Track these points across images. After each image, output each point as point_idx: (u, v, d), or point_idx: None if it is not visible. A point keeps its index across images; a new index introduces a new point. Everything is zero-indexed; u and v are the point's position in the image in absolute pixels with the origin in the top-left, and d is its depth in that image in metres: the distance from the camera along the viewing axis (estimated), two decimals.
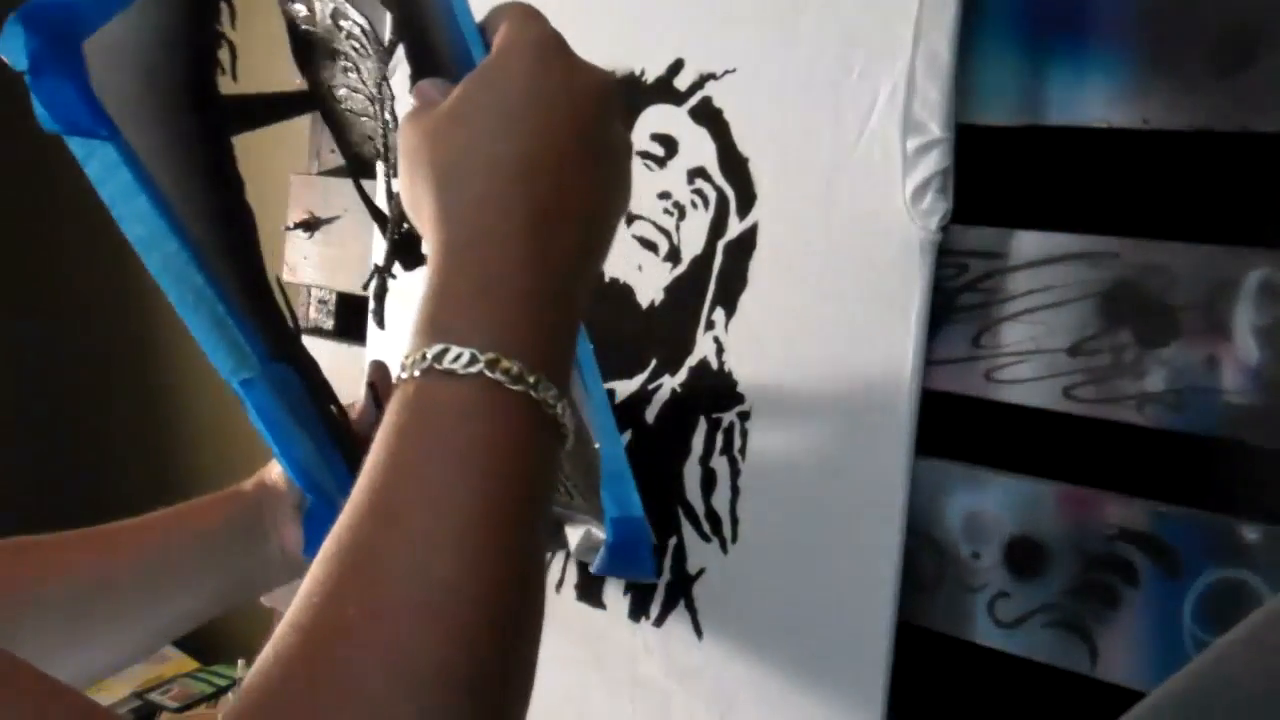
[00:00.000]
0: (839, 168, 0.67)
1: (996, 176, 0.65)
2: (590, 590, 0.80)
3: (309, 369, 0.68)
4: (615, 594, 0.79)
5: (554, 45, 0.44)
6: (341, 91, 0.65)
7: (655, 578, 0.75)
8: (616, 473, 0.64)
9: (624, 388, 0.78)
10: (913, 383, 0.65)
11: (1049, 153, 0.67)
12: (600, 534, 0.66)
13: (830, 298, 0.68)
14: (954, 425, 0.66)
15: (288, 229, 1.04)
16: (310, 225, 1.03)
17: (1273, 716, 0.43)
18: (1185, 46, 0.58)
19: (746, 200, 0.72)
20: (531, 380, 0.37)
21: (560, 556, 0.82)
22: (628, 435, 0.78)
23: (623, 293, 0.78)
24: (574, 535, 0.70)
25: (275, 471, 0.68)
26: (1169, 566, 0.59)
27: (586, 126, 0.43)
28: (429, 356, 0.37)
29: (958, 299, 0.65)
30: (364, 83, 0.62)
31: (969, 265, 0.64)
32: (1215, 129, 0.57)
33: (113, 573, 0.60)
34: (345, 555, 0.35)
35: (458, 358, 0.37)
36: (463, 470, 0.36)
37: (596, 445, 0.63)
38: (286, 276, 1.06)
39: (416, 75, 0.51)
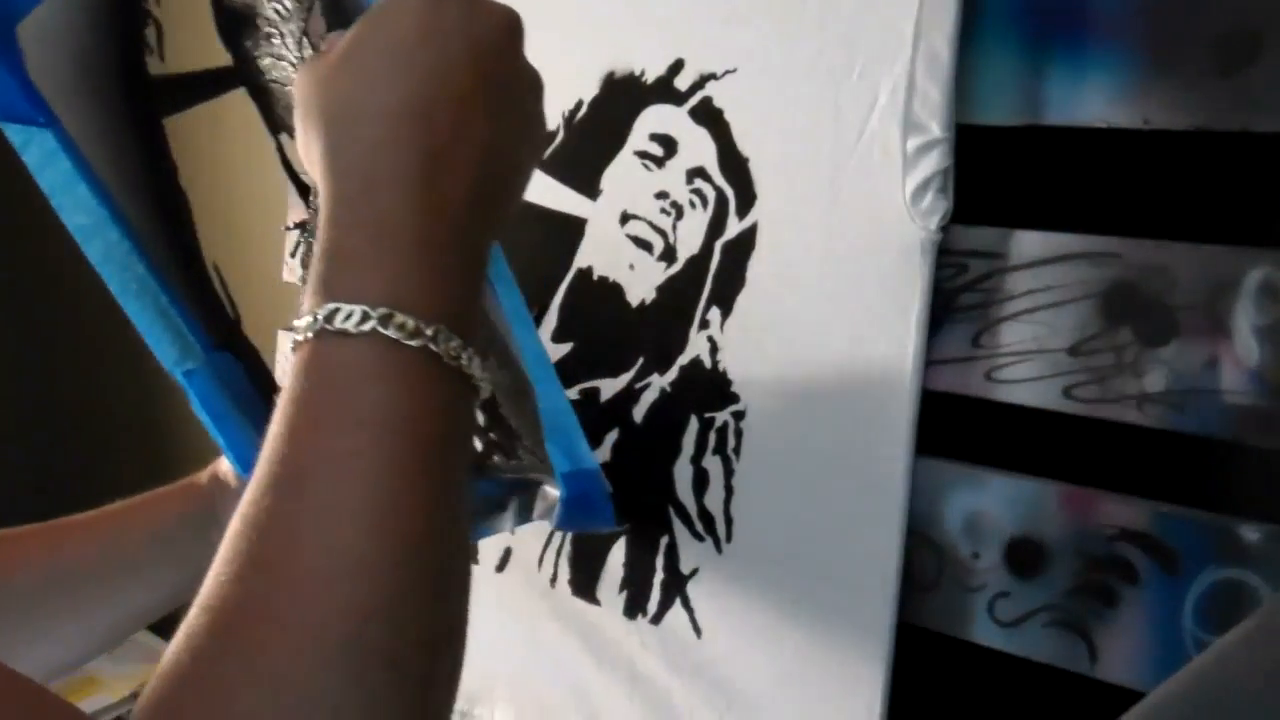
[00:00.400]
0: (839, 167, 0.67)
1: (996, 176, 0.65)
2: (584, 586, 0.80)
3: (251, 358, 0.67)
4: (610, 591, 0.79)
5: None
6: (265, 61, 0.64)
7: (615, 527, 0.74)
8: (560, 425, 0.62)
9: (610, 386, 0.78)
10: (913, 383, 0.65)
11: (1049, 153, 0.67)
12: (555, 492, 0.64)
13: (830, 297, 0.68)
14: (954, 425, 0.66)
15: (288, 229, 1.04)
16: (311, 225, 1.03)
17: (1273, 716, 0.43)
18: (1186, 46, 0.58)
19: (746, 200, 0.72)
20: (430, 333, 0.36)
21: (552, 551, 0.82)
22: (615, 434, 0.78)
23: (612, 291, 0.78)
24: (539, 500, 0.68)
25: (225, 464, 0.67)
26: (1169, 566, 0.59)
27: (485, 63, 0.41)
28: (320, 318, 0.36)
29: (958, 299, 0.65)
30: (287, 48, 0.61)
31: (969, 265, 0.64)
32: (1216, 129, 0.57)
33: (66, 568, 0.60)
34: (249, 531, 0.34)
35: (349, 316, 0.35)
36: (363, 435, 0.35)
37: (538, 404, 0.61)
38: (287, 276, 1.06)
39: (330, 30, 0.50)
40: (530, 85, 0.44)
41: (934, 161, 0.64)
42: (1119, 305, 0.60)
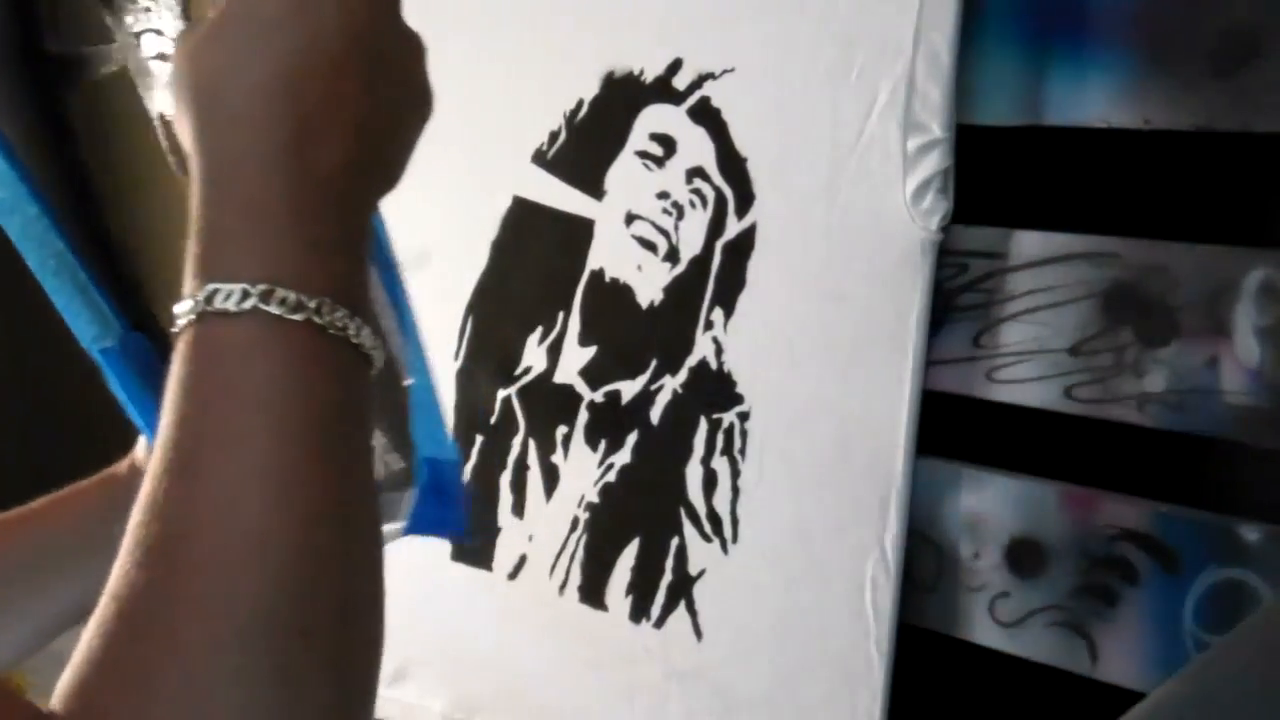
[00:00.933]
0: (839, 167, 0.67)
1: (997, 176, 0.65)
2: (592, 592, 0.80)
3: (163, 340, 0.66)
4: (617, 596, 0.79)
5: None
6: (146, 36, 0.62)
7: (467, 538, 0.72)
8: (429, 406, 0.60)
9: (628, 388, 0.78)
10: (913, 383, 0.65)
11: (1049, 153, 0.67)
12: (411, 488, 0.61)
13: (830, 298, 0.68)
14: (954, 425, 0.66)
15: None
16: None
17: (1273, 716, 0.43)
18: (1185, 47, 0.58)
19: (745, 200, 0.72)
20: (314, 306, 0.35)
21: (566, 557, 0.82)
22: (635, 435, 0.78)
23: (623, 293, 0.78)
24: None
25: (143, 451, 0.66)
26: (1169, 566, 0.59)
27: (360, 29, 0.39)
28: (199, 300, 0.35)
29: (958, 299, 0.65)
30: (164, 21, 0.60)
31: (969, 265, 0.64)
32: (1215, 129, 0.57)
33: None
34: (149, 518, 0.34)
35: (229, 296, 0.35)
36: (254, 413, 0.34)
37: (407, 383, 0.60)
38: None
39: None
40: (410, 49, 0.43)
41: (934, 161, 0.64)
42: (1119, 305, 0.60)
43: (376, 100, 0.40)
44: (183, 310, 0.36)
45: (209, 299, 0.35)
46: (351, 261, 0.38)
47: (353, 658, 0.35)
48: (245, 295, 0.35)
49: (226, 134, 0.38)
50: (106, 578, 0.62)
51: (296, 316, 0.35)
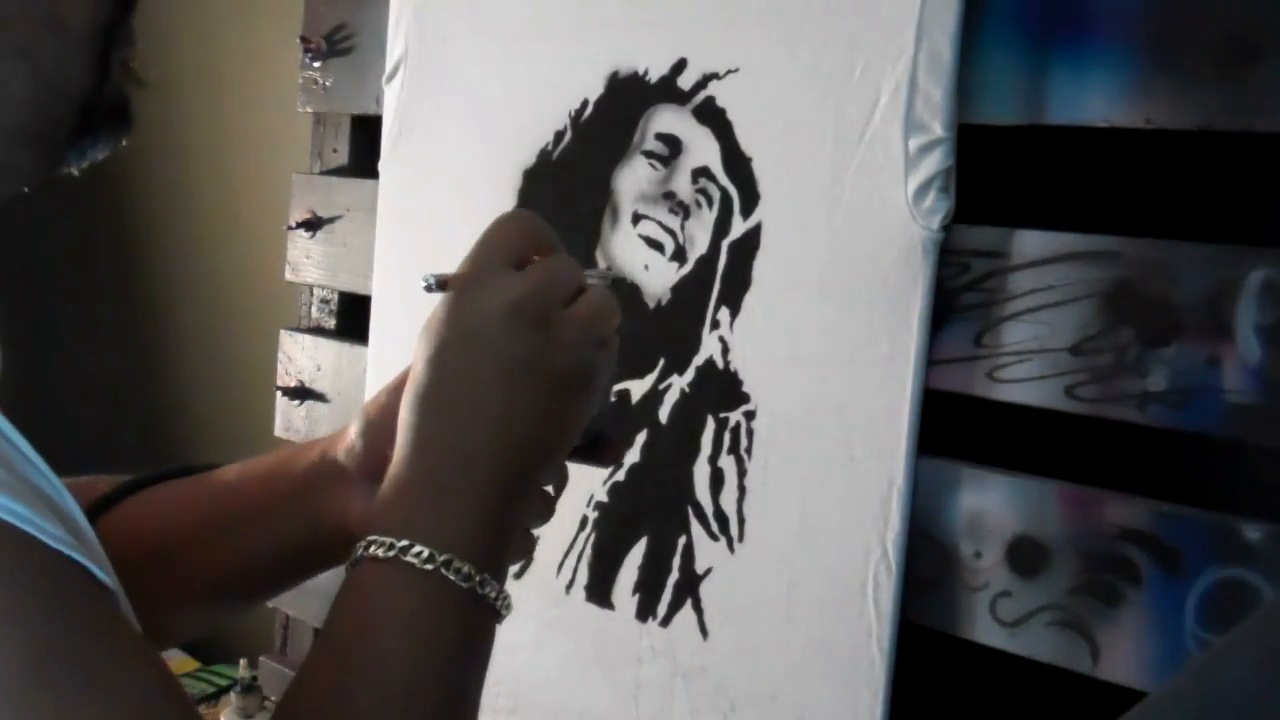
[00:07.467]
0: (842, 167, 0.67)
1: (998, 176, 0.65)
2: (599, 590, 0.80)
3: None
4: (624, 594, 0.79)
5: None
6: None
7: None
8: None
9: (637, 388, 0.78)
10: (915, 382, 0.65)
11: (1051, 152, 0.67)
12: None
13: (833, 297, 0.68)
14: (956, 425, 0.66)
15: (290, 228, 1.04)
16: (312, 224, 1.03)
17: (1273, 716, 0.43)
18: (1187, 46, 0.58)
19: (750, 200, 0.72)
20: (478, 579, 0.46)
21: (573, 557, 0.82)
22: (644, 435, 0.78)
23: (631, 292, 0.78)
24: None
25: (343, 445, 0.59)
26: (1171, 566, 0.59)
27: (568, 386, 0.49)
28: (396, 547, 0.45)
29: (960, 298, 0.65)
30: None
31: (971, 264, 0.64)
32: (1217, 128, 0.57)
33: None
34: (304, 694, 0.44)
35: (419, 554, 0.45)
36: (413, 641, 0.45)
37: None
38: (288, 276, 1.06)
39: None
40: (597, 372, 0.51)
41: (936, 161, 0.64)
42: (1121, 304, 0.60)
43: (565, 427, 0.50)
44: (375, 546, 0.46)
45: (403, 550, 0.45)
46: (509, 546, 0.49)
47: None
48: (431, 558, 0.45)
49: (449, 441, 0.48)
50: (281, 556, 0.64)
51: (464, 585, 0.46)
